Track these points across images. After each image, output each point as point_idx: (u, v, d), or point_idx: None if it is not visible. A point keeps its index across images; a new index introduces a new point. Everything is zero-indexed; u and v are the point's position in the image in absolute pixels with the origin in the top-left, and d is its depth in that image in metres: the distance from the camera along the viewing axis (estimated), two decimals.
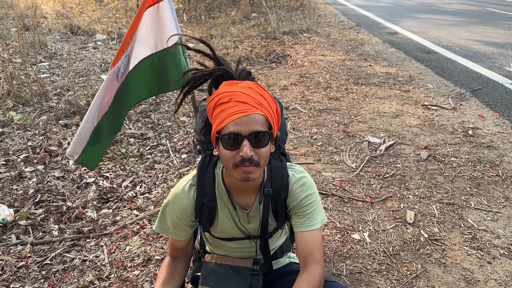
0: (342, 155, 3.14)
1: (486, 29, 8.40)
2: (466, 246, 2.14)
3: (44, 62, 5.83)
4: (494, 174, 2.83)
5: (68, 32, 7.64)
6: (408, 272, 1.97)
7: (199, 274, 1.62)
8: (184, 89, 1.43)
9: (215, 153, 1.32)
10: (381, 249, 2.12)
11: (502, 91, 4.54)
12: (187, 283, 1.86)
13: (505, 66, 5.52)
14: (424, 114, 3.96)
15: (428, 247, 2.14)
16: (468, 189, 2.66)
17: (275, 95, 4.51)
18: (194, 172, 1.45)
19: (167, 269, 1.49)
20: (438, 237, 2.20)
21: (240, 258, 1.56)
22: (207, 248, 1.64)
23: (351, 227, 2.30)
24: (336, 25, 9.15)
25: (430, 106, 4.13)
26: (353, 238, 2.20)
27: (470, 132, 3.52)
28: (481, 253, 2.08)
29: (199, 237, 1.72)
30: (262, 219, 1.45)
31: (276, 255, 1.61)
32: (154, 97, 4.51)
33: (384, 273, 1.97)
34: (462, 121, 3.76)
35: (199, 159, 1.50)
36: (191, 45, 6.34)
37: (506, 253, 2.08)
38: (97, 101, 1.86)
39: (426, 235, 2.22)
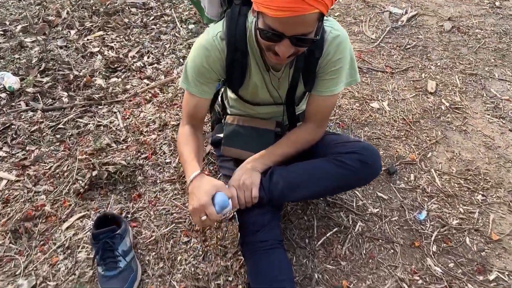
0: (362, 26, 2.95)
1: None
2: (488, 115, 2.10)
3: None
4: None
5: None
6: (428, 138, 1.95)
7: (221, 135, 1.59)
8: None
9: (253, 14, 1.14)
10: (401, 117, 2.08)
11: None
12: (205, 145, 1.85)
13: None
14: None
15: (449, 115, 2.09)
16: (492, 60, 2.55)
17: None
18: (219, 24, 1.32)
19: (192, 139, 1.39)
20: (459, 106, 2.15)
21: (263, 119, 1.50)
22: (228, 111, 1.58)
23: (369, 97, 2.23)
24: None
25: None
26: (372, 107, 2.15)
27: (497, 3, 3.27)
28: (503, 122, 2.05)
29: (219, 99, 1.64)
30: (291, 81, 1.36)
31: (298, 119, 1.56)
32: None
33: (403, 139, 1.95)
34: None
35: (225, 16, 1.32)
36: None
37: None
38: None
39: (447, 104, 2.16)
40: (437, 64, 2.50)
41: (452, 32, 2.87)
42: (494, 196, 1.66)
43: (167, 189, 1.71)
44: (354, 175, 1.32)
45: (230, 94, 1.51)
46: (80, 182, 1.76)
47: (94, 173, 1.76)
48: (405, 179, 1.73)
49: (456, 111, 2.12)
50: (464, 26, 2.93)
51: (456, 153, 1.86)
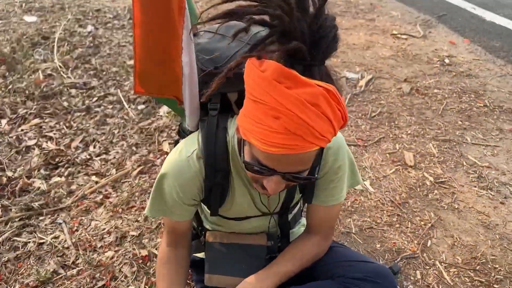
0: None
1: None
2: (475, 187, 1.97)
3: None
4: (482, 105, 2.67)
5: None
6: (422, 222, 1.77)
7: (199, 255, 1.31)
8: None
9: (238, 134, 0.90)
10: (388, 199, 1.91)
11: (467, 16, 4.38)
12: None
13: None
14: (395, 44, 3.71)
15: (436, 191, 1.95)
16: (460, 122, 2.49)
17: None
18: (193, 139, 1.08)
19: (171, 266, 1.16)
20: (443, 180, 2.02)
21: (250, 234, 1.25)
22: (206, 226, 1.32)
23: None
24: None
25: (399, 35, 3.88)
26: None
27: (446, 60, 3.33)
28: (492, 193, 1.93)
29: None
30: (287, 195, 1.14)
31: (289, 225, 1.32)
32: (91, 38, 3.91)
33: (397, 226, 1.76)
34: (435, 49, 3.56)
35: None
36: None
37: None
38: None
39: (431, 178, 2.02)
40: (407, 132, 2.40)
41: (412, 94, 2.83)
42: None
43: None
44: None
45: (207, 209, 1.26)
46: None
47: None
48: (412, 278, 1.52)
49: (442, 186, 1.98)
50: (422, 87, 2.91)
51: (456, 238, 1.69)
